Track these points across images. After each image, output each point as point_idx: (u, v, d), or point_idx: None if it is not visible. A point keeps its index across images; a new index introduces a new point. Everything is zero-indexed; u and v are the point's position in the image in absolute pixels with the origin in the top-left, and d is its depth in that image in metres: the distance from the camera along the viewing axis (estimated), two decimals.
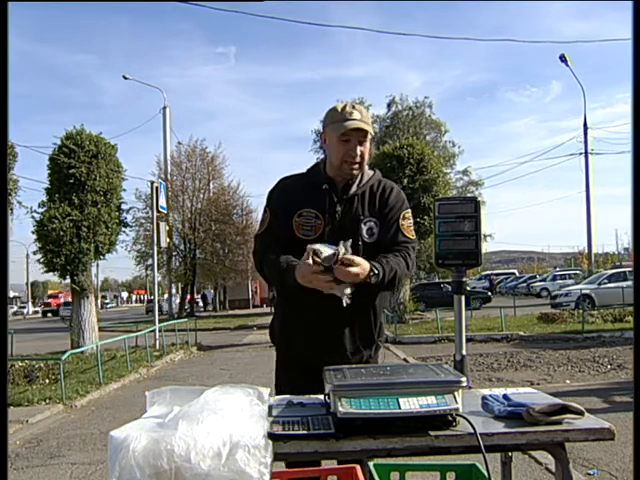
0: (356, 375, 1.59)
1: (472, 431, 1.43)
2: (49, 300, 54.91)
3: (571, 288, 21.39)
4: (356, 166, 2.14)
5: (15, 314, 55.12)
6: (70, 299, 14.99)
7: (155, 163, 30.67)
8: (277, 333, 2.29)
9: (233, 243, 30.40)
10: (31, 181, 41.95)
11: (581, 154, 23.51)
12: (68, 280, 13.08)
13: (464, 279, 3.37)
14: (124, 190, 13.81)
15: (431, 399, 1.45)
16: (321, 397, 1.69)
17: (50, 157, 12.80)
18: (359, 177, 2.21)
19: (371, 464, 1.92)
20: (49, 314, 49.72)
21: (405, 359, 10.19)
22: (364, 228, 2.14)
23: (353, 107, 2.12)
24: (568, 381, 7.44)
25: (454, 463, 1.99)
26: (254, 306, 39.75)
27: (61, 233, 12.07)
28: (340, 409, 1.43)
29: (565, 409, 1.51)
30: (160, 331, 13.54)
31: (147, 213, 26.08)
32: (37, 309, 60.80)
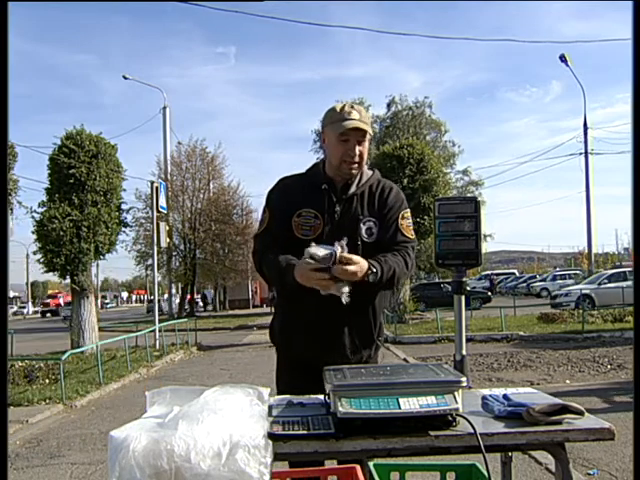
0: (356, 375, 1.59)
1: (472, 431, 1.43)
2: (47, 300, 54.66)
3: (571, 288, 21.39)
4: (355, 165, 2.14)
5: (15, 314, 55.08)
6: (70, 299, 14.98)
7: (155, 163, 30.73)
8: (277, 333, 2.29)
9: (233, 243, 30.40)
10: (31, 181, 42.03)
11: (581, 154, 23.54)
12: (68, 280, 13.08)
13: (464, 279, 3.37)
14: (124, 190, 13.84)
15: (431, 399, 1.45)
16: (321, 397, 1.69)
17: (50, 157, 12.79)
18: (358, 177, 2.21)
19: (371, 464, 1.92)
20: (48, 314, 49.53)
21: (405, 359, 10.19)
22: (363, 228, 2.14)
23: (352, 107, 2.13)
24: (568, 381, 7.44)
25: (454, 463, 1.99)
26: (254, 306, 39.75)
27: (61, 233, 12.06)
28: (340, 409, 1.43)
29: (565, 409, 1.51)
30: (160, 331, 13.54)
31: (147, 213, 26.08)
32: (37, 309, 60.70)
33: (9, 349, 11.06)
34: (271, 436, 1.37)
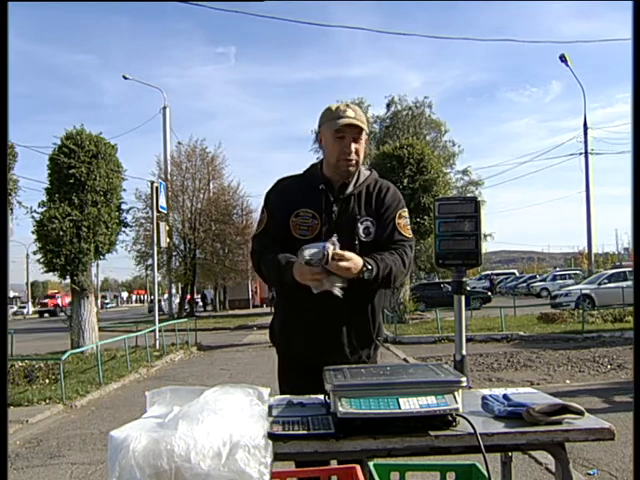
0: (356, 375, 1.59)
1: (472, 431, 1.43)
2: (45, 300, 54.25)
3: (571, 288, 21.39)
4: (352, 162, 2.15)
5: (15, 314, 54.98)
6: (69, 299, 14.98)
7: (155, 163, 30.70)
8: (277, 333, 2.29)
9: (233, 243, 30.39)
10: (31, 181, 42.00)
11: (581, 154, 23.54)
12: (68, 280, 13.08)
13: (464, 279, 3.37)
14: (124, 190, 13.82)
15: (431, 399, 1.45)
16: (321, 397, 1.69)
17: (50, 157, 12.79)
18: (355, 177, 2.22)
19: (371, 464, 1.93)
20: (46, 314, 49.18)
21: (405, 359, 10.19)
22: (361, 227, 2.15)
23: (347, 106, 2.15)
24: (568, 381, 7.44)
25: (454, 463, 1.99)
26: (254, 306, 39.74)
27: (61, 233, 12.06)
28: (340, 409, 1.43)
29: (565, 409, 1.51)
30: (160, 331, 13.54)
31: (147, 213, 26.06)
32: (37, 309, 60.56)
33: (9, 349, 11.06)
34: (271, 436, 1.37)
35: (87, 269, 12.69)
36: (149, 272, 32.14)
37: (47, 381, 8.70)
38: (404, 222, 2.21)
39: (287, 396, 1.79)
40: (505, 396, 1.67)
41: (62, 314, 43.63)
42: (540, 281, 35.26)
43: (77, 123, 22.35)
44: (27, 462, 4.96)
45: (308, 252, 1.91)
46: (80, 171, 12.46)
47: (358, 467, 1.51)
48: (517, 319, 16.30)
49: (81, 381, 8.84)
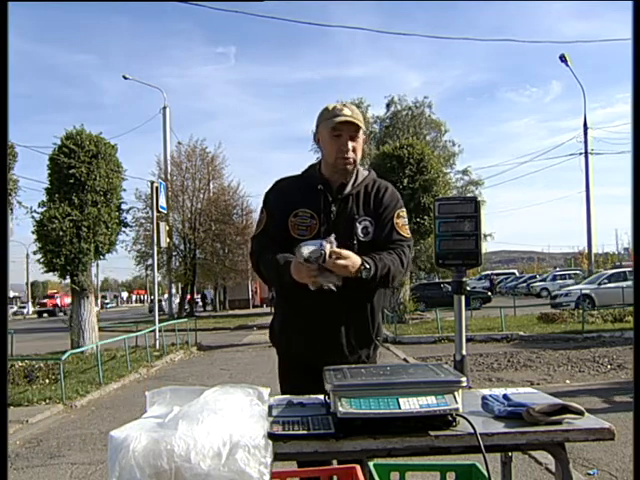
0: (356, 375, 1.59)
1: (472, 431, 1.43)
2: (44, 300, 54.05)
3: (571, 288, 21.39)
4: (349, 160, 2.15)
5: (15, 314, 54.95)
6: (68, 299, 14.97)
7: (155, 163, 30.72)
8: (277, 333, 2.30)
9: (233, 243, 30.39)
10: (31, 181, 41.95)
11: (581, 154, 23.54)
12: (68, 280, 13.08)
13: (464, 279, 3.37)
14: (124, 190, 13.83)
15: (431, 399, 1.45)
16: (321, 397, 1.69)
17: (50, 157, 12.79)
18: (354, 177, 2.23)
19: (371, 464, 1.93)
20: (45, 314, 49.01)
21: (405, 359, 10.19)
22: (359, 227, 2.16)
23: (344, 105, 2.17)
24: (568, 381, 7.44)
25: (454, 463, 1.99)
26: (254, 306, 39.74)
27: (61, 233, 12.06)
28: (340, 409, 1.43)
29: (565, 409, 1.51)
30: (160, 331, 13.54)
31: (147, 213, 26.06)
32: (37, 309, 60.47)
33: (9, 349, 11.06)
34: (271, 436, 1.37)
35: (87, 269, 12.69)
36: (149, 272, 32.14)
37: (47, 381, 8.70)
38: (402, 222, 2.22)
39: (287, 396, 1.79)
40: (505, 396, 1.67)
41: (61, 314, 43.69)
42: (540, 281, 35.25)
43: (77, 123, 22.36)
44: (27, 462, 4.96)
45: (306, 250, 1.91)
46: (80, 171, 12.46)
47: (358, 467, 1.51)
48: (517, 319, 16.30)
49: (81, 381, 8.84)
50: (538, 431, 1.47)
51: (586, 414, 1.53)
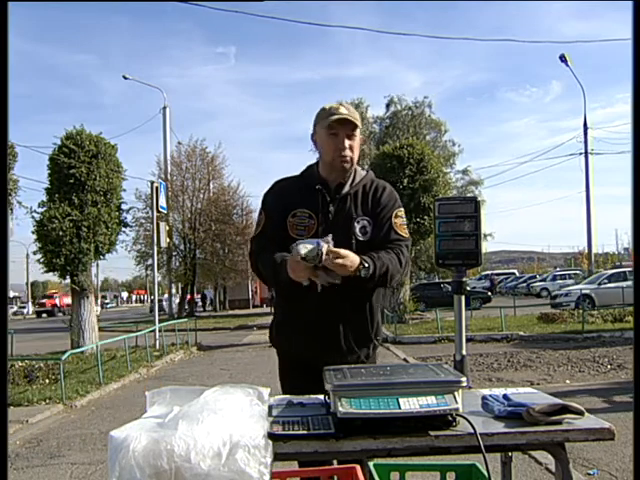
0: (356, 375, 1.59)
1: (472, 431, 1.43)
2: (43, 300, 53.87)
3: (571, 288, 21.38)
4: (347, 158, 2.16)
5: (15, 314, 54.92)
6: (68, 300, 14.96)
7: (155, 163, 30.69)
8: (276, 333, 2.30)
9: (233, 243, 30.37)
10: (31, 181, 41.98)
11: (581, 154, 23.54)
12: (68, 280, 13.07)
13: (464, 279, 3.37)
14: (124, 190, 13.82)
15: (431, 399, 1.45)
16: (321, 397, 1.69)
17: (50, 157, 12.79)
18: (352, 177, 2.23)
19: (371, 464, 1.93)
20: (44, 314, 48.81)
21: (405, 359, 10.19)
22: (357, 227, 2.16)
23: (340, 104, 2.18)
24: (568, 381, 7.44)
25: (454, 463, 1.99)
26: (254, 306, 39.73)
27: (61, 233, 12.06)
28: (340, 409, 1.43)
29: (565, 409, 1.51)
30: (160, 331, 13.54)
31: (147, 213, 26.06)
32: (36, 309, 60.34)
33: (9, 349, 11.06)
34: (271, 436, 1.38)
35: (87, 269, 12.68)
36: (149, 272, 32.14)
37: (47, 381, 8.70)
38: (400, 222, 2.22)
39: (287, 396, 1.79)
40: (505, 396, 1.67)
41: (60, 314, 43.66)
42: (540, 281, 35.25)
43: (77, 123, 22.36)
44: (27, 462, 4.96)
45: (303, 249, 1.91)
46: (80, 171, 12.46)
47: (358, 467, 1.51)
48: (517, 319, 16.30)
49: (81, 381, 8.84)
50: (538, 431, 1.47)
51: (586, 414, 1.53)
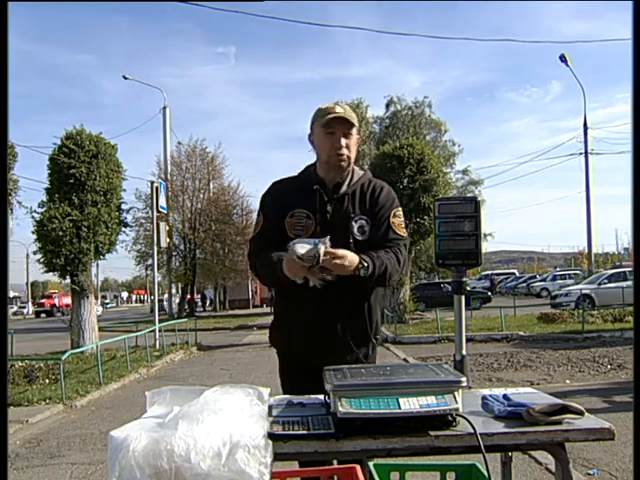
0: (356, 375, 1.59)
1: (472, 431, 1.43)
2: (42, 300, 53.70)
3: (571, 288, 21.38)
4: (343, 157, 2.16)
5: (15, 314, 54.89)
6: (66, 299, 14.98)
7: (155, 163, 30.69)
8: (275, 333, 2.31)
9: (233, 243, 30.36)
10: (31, 181, 41.95)
11: (581, 154, 23.54)
12: (68, 280, 13.07)
13: (464, 279, 3.37)
14: (124, 190, 13.83)
15: (431, 399, 1.45)
16: (321, 397, 1.69)
17: (50, 157, 12.79)
18: (349, 177, 2.24)
19: (371, 464, 1.93)
20: (43, 314, 48.66)
21: (405, 359, 10.19)
22: (355, 226, 2.17)
23: (336, 104, 2.19)
24: (568, 381, 7.44)
25: (454, 463, 1.99)
26: (254, 306, 39.73)
27: (61, 233, 12.06)
28: (340, 409, 1.43)
29: (565, 409, 1.51)
30: (160, 331, 13.54)
31: (147, 213, 26.05)
32: (34, 309, 60.22)
33: (9, 349, 11.06)
34: (271, 436, 1.38)
35: (87, 269, 12.68)
36: (149, 272, 32.14)
37: (47, 381, 8.69)
38: (399, 221, 2.23)
39: (287, 396, 1.79)
40: (505, 396, 1.67)
41: (59, 314, 43.63)
42: (540, 281, 35.25)
43: (77, 123, 22.38)
44: (27, 462, 4.96)
45: (300, 249, 1.92)
46: (80, 171, 12.45)
47: (358, 467, 1.51)
48: (517, 319, 16.30)
49: (81, 381, 8.83)
50: (538, 431, 1.47)
51: (586, 414, 1.53)
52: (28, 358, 10.06)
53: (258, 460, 1.26)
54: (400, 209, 2.28)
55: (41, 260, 12.51)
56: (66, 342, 13.19)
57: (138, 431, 1.28)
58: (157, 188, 14.86)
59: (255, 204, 32.83)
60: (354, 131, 2.18)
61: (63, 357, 8.25)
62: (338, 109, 2.14)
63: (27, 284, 69.19)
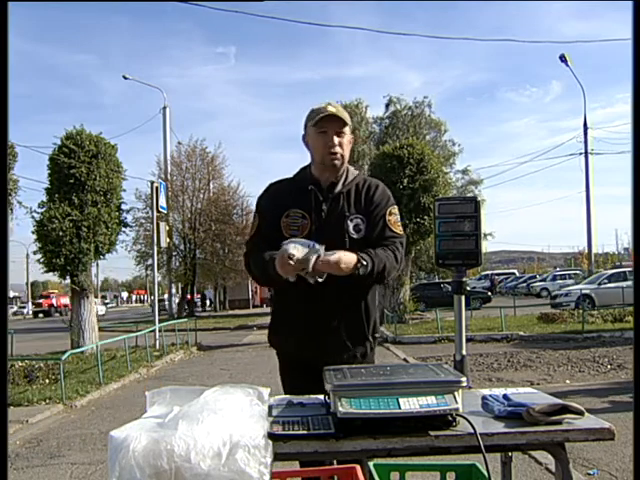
0: (356, 375, 1.59)
1: (472, 431, 1.43)
2: (40, 300, 53.53)
3: (571, 288, 21.38)
4: (337, 156, 2.17)
5: (15, 314, 54.85)
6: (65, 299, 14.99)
7: (155, 163, 30.66)
8: (273, 334, 2.32)
9: (233, 243, 30.34)
10: (31, 181, 41.98)
11: (581, 154, 23.54)
12: (68, 280, 13.07)
13: (464, 279, 3.37)
14: (124, 190, 13.83)
15: (431, 399, 1.45)
16: (321, 397, 1.69)
17: (50, 157, 12.79)
18: (344, 176, 2.25)
19: (371, 464, 1.93)
20: (40, 315, 48.52)
21: (405, 359, 10.19)
22: (350, 225, 2.17)
23: (329, 104, 2.20)
24: (568, 381, 7.44)
25: (454, 463, 1.99)
26: (254, 306, 39.73)
27: (61, 233, 12.06)
28: (340, 409, 1.43)
29: (565, 409, 1.51)
30: (160, 331, 13.54)
31: (147, 213, 26.04)
32: (32, 309, 60.08)
33: (9, 349, 11.06)
34: (271, 436, 1.38)
35: (87, 269, 12.68)
36: (149, 272, 32.09)
37: (47, 381, 8.69)
38: (394, 219, 2.24)
39: (287, 396, 1.79)
40: (505, 396, 1.67)
41: (57, 314, 43.57)
42: (540, 281, 35.24)
43: (77, 123, 22.36)
44: (27, 462, 4.96)
45: (293, 248, 1.93)
46: (80, 171, 12.45)
47: (358, 467, 1.52)
48: (517, 319, 16.30)
49: (81, 381, 8.83)
50: (538, 431, 1.47)
51: (586, 414, 1.53)
52: (28, 358, 10.06)
53: (258, 460, 1.26)
54: (396, 207, 2.29)
55: (41, 260, 12.52)
56: (66, 342, 13.19)
57: (138, 431, 1.28)
58: (157, 188, 14.86)
59: (255, 204, 32.80)
60: (347, 130, 2.19)
61: (63, 357, 8.26)
62: (330, 108, 2.15)
63: (27, 284, 69.18)
